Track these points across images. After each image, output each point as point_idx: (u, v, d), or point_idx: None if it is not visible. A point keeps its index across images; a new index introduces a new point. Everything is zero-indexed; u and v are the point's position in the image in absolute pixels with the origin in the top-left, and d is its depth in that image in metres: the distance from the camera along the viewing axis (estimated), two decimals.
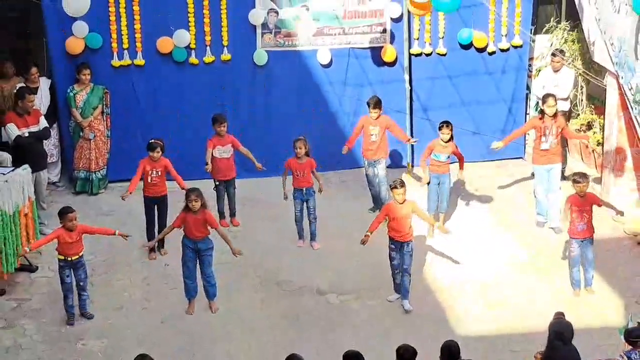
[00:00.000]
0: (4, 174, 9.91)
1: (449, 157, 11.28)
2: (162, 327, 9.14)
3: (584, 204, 9.63)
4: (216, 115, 11.45)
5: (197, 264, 9.47)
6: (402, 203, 9.46)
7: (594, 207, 9.70)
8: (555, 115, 11.31)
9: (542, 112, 11.44)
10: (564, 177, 12.45)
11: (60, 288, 9.29)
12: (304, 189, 11.05)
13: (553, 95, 11.46)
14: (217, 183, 11.50)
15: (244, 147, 11.52)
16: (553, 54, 12.90)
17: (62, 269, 9.23)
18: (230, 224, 11.71)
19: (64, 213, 9.14)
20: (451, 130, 11.16)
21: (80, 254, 9.26)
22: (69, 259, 9.17)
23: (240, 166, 11.95)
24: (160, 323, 9.22)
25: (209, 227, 9.38)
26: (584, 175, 9.75)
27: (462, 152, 11.46)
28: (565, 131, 11.54)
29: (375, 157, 11.86)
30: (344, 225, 11.61)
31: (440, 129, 11.23)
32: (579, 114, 13.35)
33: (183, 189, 10.49)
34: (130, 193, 10.47)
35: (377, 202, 12.04)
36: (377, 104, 11.76)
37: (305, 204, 11.12)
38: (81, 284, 9.31)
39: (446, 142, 11.16)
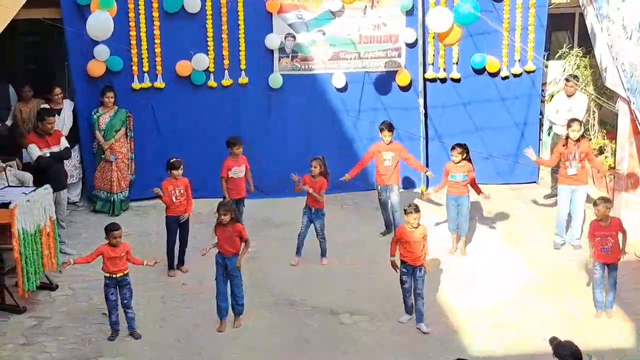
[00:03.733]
0: (25, 193, 10.05)
1: (465, 177, 11.35)
2: (177, 346, 9.20)
3: (607, 228, 9.61)
4: (233, 138, 11.56)
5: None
6: (416, 227, 9.53)
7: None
8: (578, 140, 11.33)
9: (566, 137, 11.47)
10: None
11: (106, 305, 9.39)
12: (313, 209, 11.12)
13: (579, 120, 11.51)
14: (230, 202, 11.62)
15: (249, 167, 11.70)
16: (567, 79, 13.05)
17: (107, 286, 9.25)
18: None
19: (109, 230, 9.17)
20: (462, 153, 11.24)
21: (126, 272, 9.28)
22: (114, 276, 9.19)
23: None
24: (176, 342, 9.29)
25: (248, 244, 9.50)
26: (604, 200, 9.72)
27: (475, 175, 11.50)
28: (588, 157, 11.47)
29: (388, 183, 11.91)
30: (356, 246, 11.74)
31: (452, 149, 11.37)
32: (590, 139, 13.47)
33: (187, 213, 10.79)
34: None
35: (389, 226, 12.16)
36: (390, 127, 11.86)
37: (312, 224, 11.19)
38: (125, 301, 9.32)
39: (457, 162, 11.28)
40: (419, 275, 9.53)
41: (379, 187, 12.09)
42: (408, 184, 13.76)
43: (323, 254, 11.31)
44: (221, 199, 10.48)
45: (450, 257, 11.44)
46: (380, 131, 11.92)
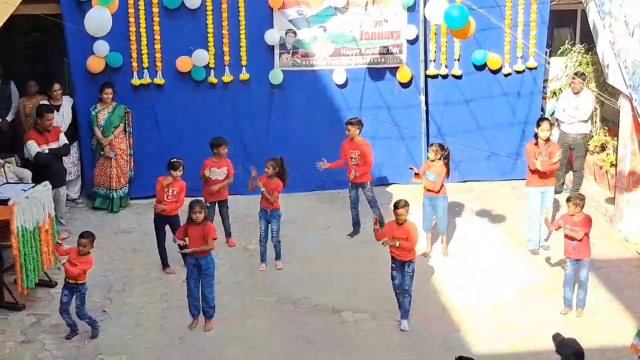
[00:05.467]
0: (24, 190, 10.01)
1: (436, 178, 11.13)
2: (179, 345, 9.18)
3: (576, 224, 9.64)
4: (219, 139, 11.42)
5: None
6: (401, 224, 9.47)
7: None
8: (548, 140, 11.23)
9: (536, 136, 11.33)
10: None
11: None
12: (268, 211, 10.93)
13: (548, 120, 11.47)
14: (208, 205, 11.25)
15: (232, 173, 11.54)
16: (575, 75, 12.99)
17: (63, 287, 9.26)
18: (226, 244, 11.65)
19: (80, 237, 9.15)
20: (436, 151, 11.07)
21: (80, 282, 9.14)
22: (69, 281, 9.15)
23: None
24: (177, 340, 9.27)
25: (211, 243, 9.35)
26: (576, 197, 9.74)
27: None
28: (550, 156, 11.17)
29: (358, 181, 11.74)
30: (356, 245, 11.70)
31: (430, 146, 11.28)
32: (592, 136, 13.44)
33: (173, 210, 10.65)
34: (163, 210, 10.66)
35: (357, 226, 12.04)
36: (354, 123, 11.65)
37: (269, 225, 11.01)
38: (77, 310, 9.22)
39: (432, 160, 11.15)
40: (407, 270, 9.51)
41: (349, 184, 11.89)
42: (405, 180, 13.67)
43: (277, 257, 11.10)
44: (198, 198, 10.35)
45: (450, 256, 11.39)
46: (345, 124, 11.79)
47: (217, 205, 11.54)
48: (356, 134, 11.66)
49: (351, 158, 11.67)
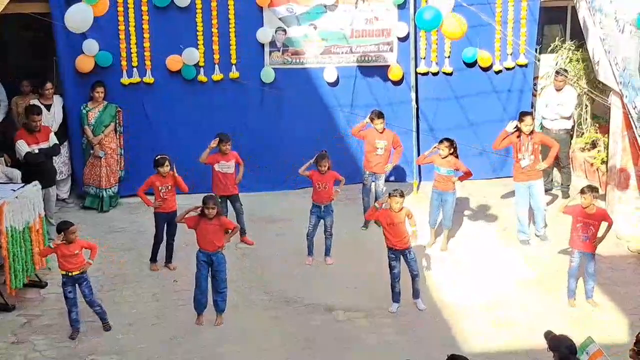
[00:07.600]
0: (14, 190, 9.95)
1: (451, 172, 11.27)
2: (171, 344, 9.12)
3: (591, 217, 9.71)
4: (221, 135, 11.41)
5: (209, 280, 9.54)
6: (398, 212, 9.62)
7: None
8: (532, 133, 11.36)
9: (519, 129, 11.42)
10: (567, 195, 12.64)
11: (64, 303, 9.29)
12: (323, 206, 10.97)
13: (530, 114, 11.63)
14: (219, 200, 11.48)
15: (241, 162, 11.57)
16: (557, 72, 13.02)
17: (64, 284, 9.17)
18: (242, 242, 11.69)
19: (64, 228, 9.07)
20: (449, 147, 11.17)
21: (82, 270, 9.17)
22: (70, 274, 9.10)
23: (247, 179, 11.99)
24: (169, 339, 9.20)
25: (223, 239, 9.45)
26: (591, 189, 9.78)
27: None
28: (545, 143, 11.57)
29: (377, 172, 12.02)
30: (354, 242, 11.68)
31: (440, 143, 11.32)
32: (583, 133, 13.45)
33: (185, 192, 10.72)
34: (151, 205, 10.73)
35: None
36: (379, 115, 11.86)
37: (322, 220, 11.05)
38: (87, 299, 9.24)
39: (443, 157, 11.22)
40: (410, 258, 9.70)
41: (366, 172, 12.11)
42: (400, 177, 13.70)
43: (327, 252, 11.15)
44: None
45: (446, 254, 11.40)
46: (371, 120, 11.90)
47: (228, 201, 11.52)
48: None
49: (377, 148, 11.92)
